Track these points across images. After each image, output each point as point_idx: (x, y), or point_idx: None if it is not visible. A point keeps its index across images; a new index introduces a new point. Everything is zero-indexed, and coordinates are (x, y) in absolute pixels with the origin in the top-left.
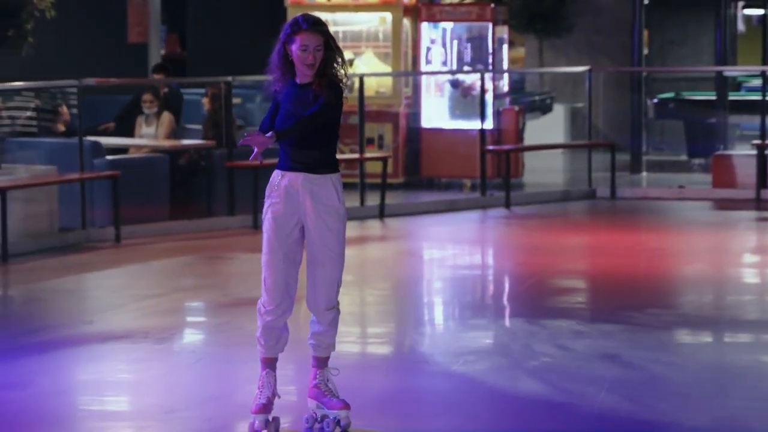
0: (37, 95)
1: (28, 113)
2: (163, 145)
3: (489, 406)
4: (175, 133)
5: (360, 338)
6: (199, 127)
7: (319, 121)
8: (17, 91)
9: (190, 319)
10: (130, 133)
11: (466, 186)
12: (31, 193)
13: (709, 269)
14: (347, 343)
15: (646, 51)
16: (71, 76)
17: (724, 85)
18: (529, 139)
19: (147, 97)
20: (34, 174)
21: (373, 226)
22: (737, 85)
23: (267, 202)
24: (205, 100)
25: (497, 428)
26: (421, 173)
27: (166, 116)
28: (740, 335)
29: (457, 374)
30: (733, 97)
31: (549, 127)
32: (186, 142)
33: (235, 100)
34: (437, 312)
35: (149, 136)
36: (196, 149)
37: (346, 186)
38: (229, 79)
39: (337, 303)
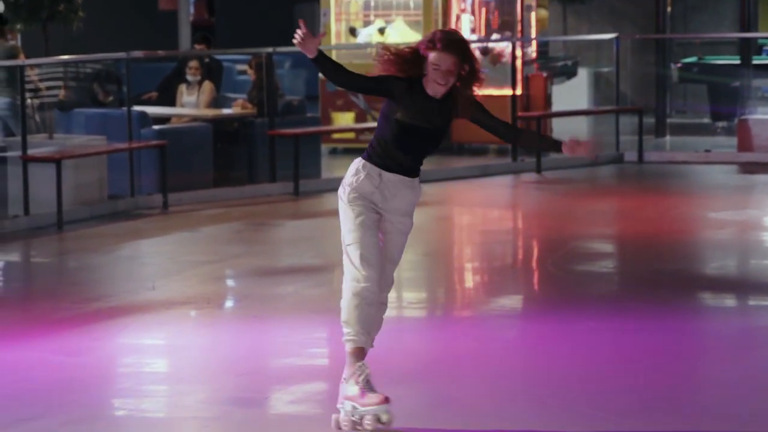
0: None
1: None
2: (207, 115)
3: (521, 372)
4: (216, 102)
5: (397, 304)
6: (238, 95)
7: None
8: (63, 64)
9: (244, 285)
10: (171, 102)
11: (492, 151)
12: (82, 162)
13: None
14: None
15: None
16: (104, 47)
17: (747, 49)
18: (555, 103)
19: (193, 63)
20: (84, 144)
21: None
22: (758, 48)
23: (355, 192)
24: (250, 71)
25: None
26: (451, 139)
27: (208, 85)
28: None
29: (493, 339)
30: (756, 61)
31: (573, 92)
32: (227, 111)
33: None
34: (470, 278)
35: (190, 104)
36: (239, 117)
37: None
38: (270, 49)
39: None
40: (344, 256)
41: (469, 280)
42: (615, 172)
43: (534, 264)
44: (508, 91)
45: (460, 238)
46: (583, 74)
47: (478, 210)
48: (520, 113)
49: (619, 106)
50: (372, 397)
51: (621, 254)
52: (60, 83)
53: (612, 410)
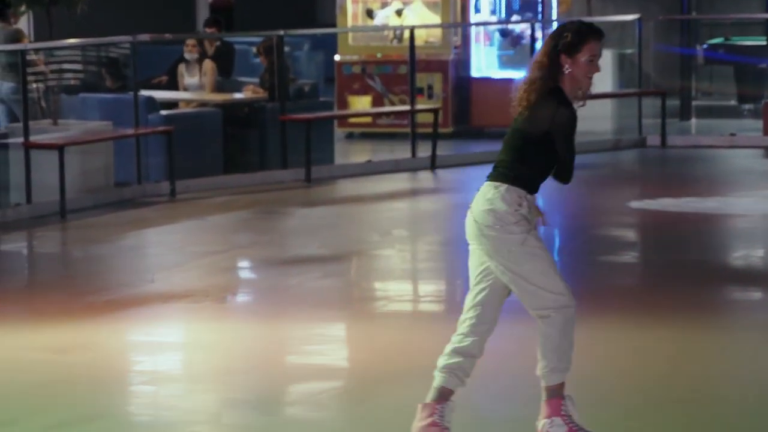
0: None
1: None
2: (216, 100)
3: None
4: (221, 83)
5: (412, 296)
6: (251, 79)
7: None
8: (70, 48)
9: (249, 277)
10: (177, 86)
11: None
12: (87, 148)
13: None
14: (399, 302)
15: None
16: (122, 29)
17: None
18: None
19: (190, 41)
20: (89, 130)
21: (425, 178)
22: None
23: (523, 226)
24: (260, 55)
25: None
26: (471, 123)
27: (208, 64)
28: None
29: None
30: None
31: (596, 74)
32: (237, 95)
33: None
34: None
35: (193, 86)
36: (249, 102)
37: (397, 137)
38: (281, 32)
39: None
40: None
41: None
42: (637, 157)
43: (553, 253)
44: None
45: None
46: (607, 56)
47: None
48: None
49: (641, 89)
50: None
51: (643, 244)
52: (65, 66)
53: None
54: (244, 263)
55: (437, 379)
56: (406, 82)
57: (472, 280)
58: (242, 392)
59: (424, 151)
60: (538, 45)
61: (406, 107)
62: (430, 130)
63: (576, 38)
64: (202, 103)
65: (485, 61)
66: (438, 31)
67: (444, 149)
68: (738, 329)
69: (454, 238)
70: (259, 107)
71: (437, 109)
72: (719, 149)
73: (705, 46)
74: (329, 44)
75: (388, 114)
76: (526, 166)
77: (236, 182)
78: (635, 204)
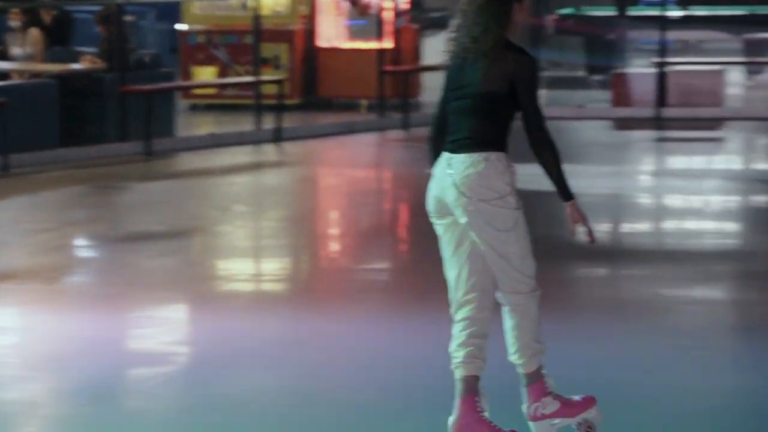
0: None
1: None
2: (51, 70)
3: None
4: (58, 54)
5: (253, 275)
6: (90, 49)
7: None
8: None
9: (82, 256)
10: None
11: (363, 106)
12: None
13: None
14: (240, 282)
15: None
16: None
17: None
18: (426, 56)
19: (14, 9)
20: None
21: (270, 151)
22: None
23: (516, 197)
24: (99, 25)
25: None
26: (318, 93)
27: (34, 33)
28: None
29: (355, 314)
30: (632, 12)
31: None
32: (75, 66)
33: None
34: (335, 246)
35: (19, 56)
36: (86, 73)
37: (243, 108)
38: (120, 1)
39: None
40: (519, 273)
41: (334, 248)
42: None
43: (401, 229)
44: (376, 44)
45: (324, 202)
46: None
47: (344, 170)
48: (387, 67)
49: None
50: (577, 405)
51: None
52: None
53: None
54: (77, 241)
55: (461, 370)
56: (251, 53)
57: (455, 259)
58: (67, 381)
59: (270, 123)
60: (387, 14)
61: (251, 78)
62: (276, 101)
63: None
64: (36, 74)
65: (334, 31)
66: (286, 0)
67: (291, 121)
68: (577, 306)
69: (298, 214)
70: (98, 78)
71: (283, 80)
72: (568, 121)
73: (555, 15)
74: (176, 14)
75: (233, 85)
76: (500, 128)
77: (73, 156)
78: None
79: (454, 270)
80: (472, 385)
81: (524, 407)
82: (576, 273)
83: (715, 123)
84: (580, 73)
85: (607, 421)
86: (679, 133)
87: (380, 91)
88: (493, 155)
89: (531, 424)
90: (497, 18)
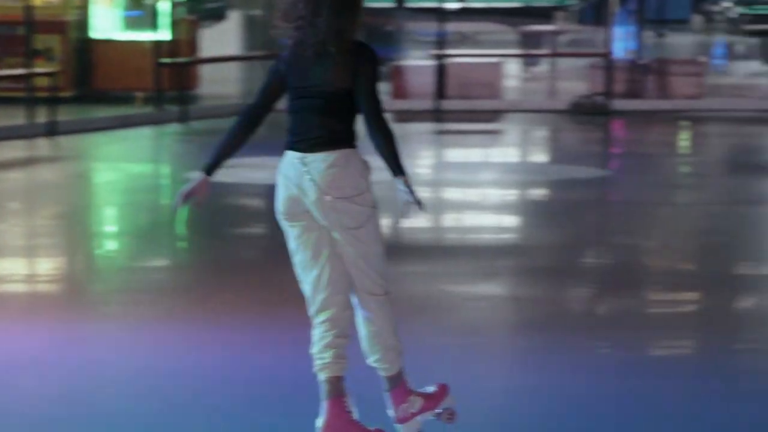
0: None
1: None
2: None
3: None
4: None
5: (27, 277)
6: None
7: None
8: None
9: None
10: None
11: (139, 99)
12: None
13: None
14: (11, 283)
15: None
16: None
17: None
18: (204, 48)
19: None
20: None
21: (43, 146)
22: None
23: (373, 194)
24: None
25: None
26: (93, 86)
27: None
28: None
29: (134, 316)
30: (410, 3)
31: (223, 35)
32: None
33: None
34: (112, 245)
35: None
36: None
37: (15, 101)
38: None
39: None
40: (376, 274)
41: (108, 248)
42: (266, 120)
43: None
44: (151, 36)
45: (100, 198)
46: (234, 18)
47: (121, 165)
48: (164, 59)
49: (271, 51)
50: (436, 396)
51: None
52: None
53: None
54: None
55: (328, 372)
56: (23, 44)
57: (315, 260)
58: None
59: (44, 116)
60: (163, 5)
61: (22, 70)
62: (49, 94)
63: None
64: None
65: (109, 22)
66: None
67: (65, 115)
68: None
69: (68, 212)
70: None
71: (56, 72)
72: None
73: None
74: None
75: (3, 78)
76: (352, 125)
77: None
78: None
79: (313, 271)
80: (338, 387)
81: (391, 411)
82: None
83: (493, 115)
84: None
85: (387, 422)
86: (459, 126)
87: (157, 83)
88: (352, 152)
89: (399, 426)
90: (352, 13)
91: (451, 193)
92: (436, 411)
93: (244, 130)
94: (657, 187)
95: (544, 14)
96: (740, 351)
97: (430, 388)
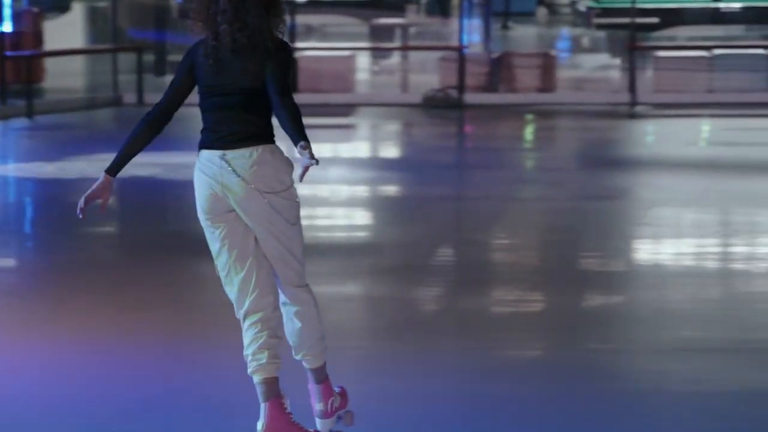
0: None
1: None
2: None
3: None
4: None
5: None
6: None
7: None
8: None
9: None
10: None
11: None
12: None
13: None
14: None
15: None
16: None
17: None
18: (49, 41)
19: None
20: None
21: None
22: None
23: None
24: None
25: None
26: None
27: None
28: None
29: None
30: None
31: (68, 27)
32: None
33: None
34: None
35: None
36: None
37: None
38: None
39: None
40: (300, 266)
41: None
42: (114, 116)
43: (27, 225)
44: None
45: None
46: (77, 9)
47: None
48: (7, 52)
49: (117, 45)
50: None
51: (125, 213)
52: None
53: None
54: None
55: (263, 373)
56: None
57: (241, 261)
58: None
59: None
60: None
61: None
62: None
63: None
64: None
65: None
66: None
67: None
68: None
69: None
70: None
71: None
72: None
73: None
74: None
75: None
76: (270, 120)
77: None
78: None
79: (240, 273)
80: (275, 387)
81: (320, 405)
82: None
83: (346, 109)
84: None
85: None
86: (311, 120)
87: (1, 77)
88: (275, 147)
89: (320, 421)
90: (278, 11)
91: (302, 190)
92: (345, 410)
93: (150, 131)
94: (507, 183)
95: (394, 7)
96: (594, 351)
97: (336, 388)
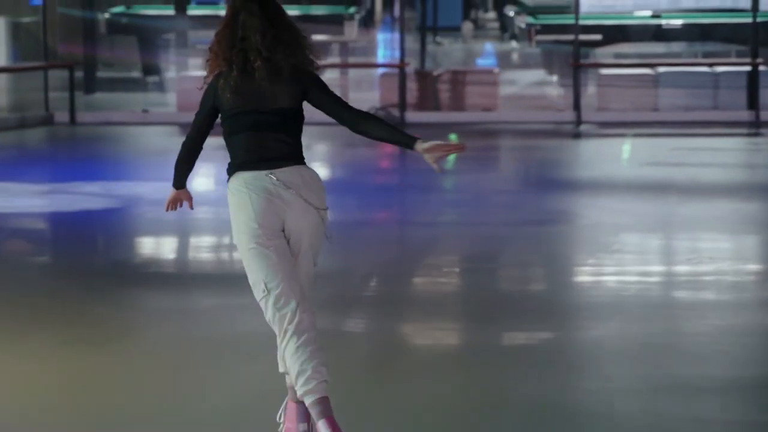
0: None
1: None
2: None
3: None
4: None
5: None
6: None
7: None
8: None
9: None
10: None
11: None
12: None
13: None
14: None
15: None
16: None
17: None
18: None
19: None
20: None
21: None
22: None
23: None
24: None
25: None
26: None
27: None
28: None
29: None
30: (191, 11)
31: None
32: None
33: None
34: None
35: None
36: None
37: None
38: None
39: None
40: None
41: None
42: (46, 136)
43: None
44: None
45: None
46: (0, 24)
47: None
48: None
49: (48, 62)
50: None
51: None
52: None
53: None
54: None
55: (320, 391)
56: None
57: (289, 283)
58: None
59: None
60: None
61: None
62: None
63: None
64: None
65: None
66: None
67: None
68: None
69: None
70: None
71: None
72: (132, 126)
73: (107, 15)
74: None
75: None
76: (301, 143)
77: None
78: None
79: (279, 288)
80: (329, 405)
81: (303, 426)
82: (148, 302)
83: None
84: (135, 74)
85: None
86: None
87: None
88: (312, 169)
89: None
90: (306, 41)
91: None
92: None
93: (190, 159)
94: (443, 206)
95: (333, 22)
96: (525, 385)
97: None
